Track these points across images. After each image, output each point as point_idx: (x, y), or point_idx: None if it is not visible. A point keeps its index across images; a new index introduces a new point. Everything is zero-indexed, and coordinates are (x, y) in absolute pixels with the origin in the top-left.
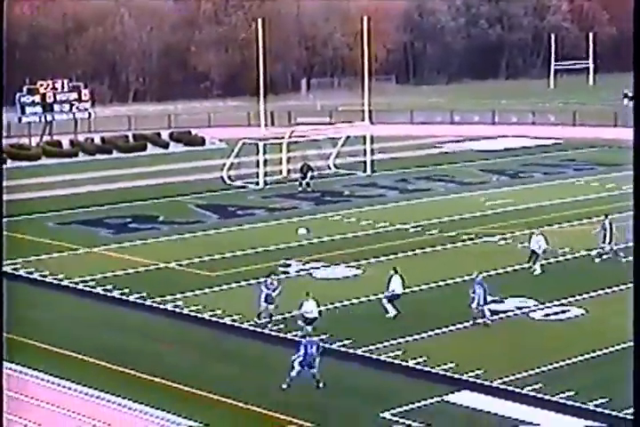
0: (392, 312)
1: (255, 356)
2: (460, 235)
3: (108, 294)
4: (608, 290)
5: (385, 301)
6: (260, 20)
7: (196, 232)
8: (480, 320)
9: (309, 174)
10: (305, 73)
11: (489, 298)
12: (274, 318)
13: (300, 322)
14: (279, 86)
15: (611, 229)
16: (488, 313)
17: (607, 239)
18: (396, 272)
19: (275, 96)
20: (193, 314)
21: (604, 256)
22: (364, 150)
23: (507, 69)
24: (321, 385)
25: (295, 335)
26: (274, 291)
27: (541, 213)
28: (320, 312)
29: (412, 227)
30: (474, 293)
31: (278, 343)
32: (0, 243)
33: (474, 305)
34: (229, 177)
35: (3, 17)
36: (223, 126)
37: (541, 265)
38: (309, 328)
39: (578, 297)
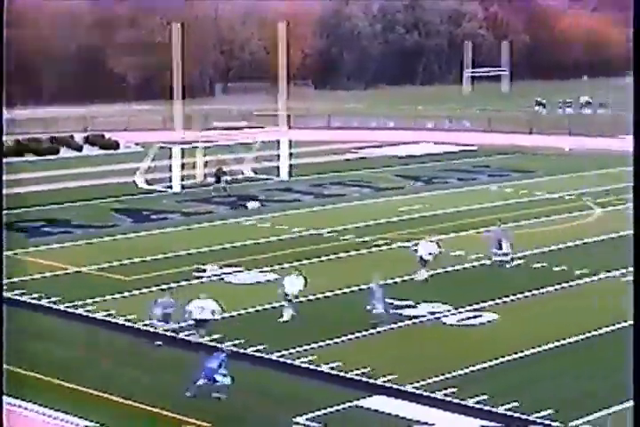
0: (286, 317)
1: (167, 360)
2: (375, 240)
3: (20, 298)
4: (520, 295)
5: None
6: (176, 24)
7: (110, 236)
8: (381, 326)
9: (223, 178)
10: (222, 77)
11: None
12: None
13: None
14: (195, 90)
15: (505, 236)
16: (387, 317)
17: (503, 246)
18: (298, 274)
19: (191, 100)
20: (106, 319)
21: (503, 263)
22: (281, 155)
23: (423, 75)
24: (222, 397)
25: (211, 340)
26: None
27: (456, 218)
28: (213, 312)
29: (327, 232)
30: (373, 298)
31: (191, 349)
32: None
33: (373, 310)
34: (144, 181)
35: (3, 17)
36: (139, 130)
37: (455, 271)
38: (202, 331)
39: (491, 302)
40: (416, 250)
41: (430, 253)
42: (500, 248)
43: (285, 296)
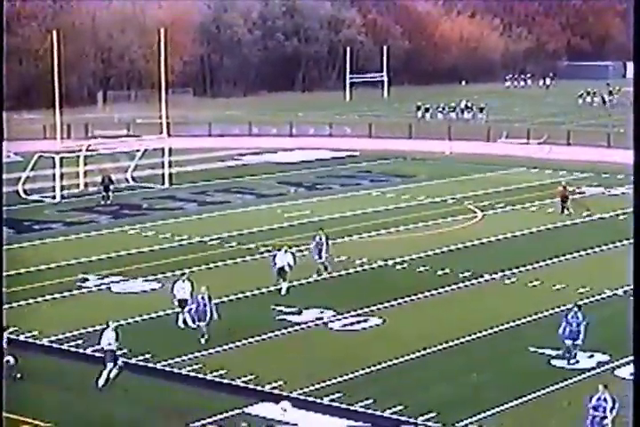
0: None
1: (52, 372)
2: (259, 247)
3: None
4: (405, 299)
5: (185, 312)
6: (54, 32)
7: None
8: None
9: (111, 187)
10: (101, 85)
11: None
12: None
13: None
14: (75, 99)
15: (327, 243)
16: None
17: (322, 253)
18: (186, 280)
19: (71, 109)
20: None
21: (321, 271)
22: (162, 163)
23: (303, 82)
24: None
25: (95, 351)
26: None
27: (339, 224)
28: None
29: (211, 240)
30: (198, 305)
31: (76, 359)
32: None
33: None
34: (25, 191)
35: (2, 17)
36: (18, 139)
37: (339, 276)
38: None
39: (376, 307)
40: (274, 262)
41: (289, 265)
42: (320, 257)
43: (179, 303)
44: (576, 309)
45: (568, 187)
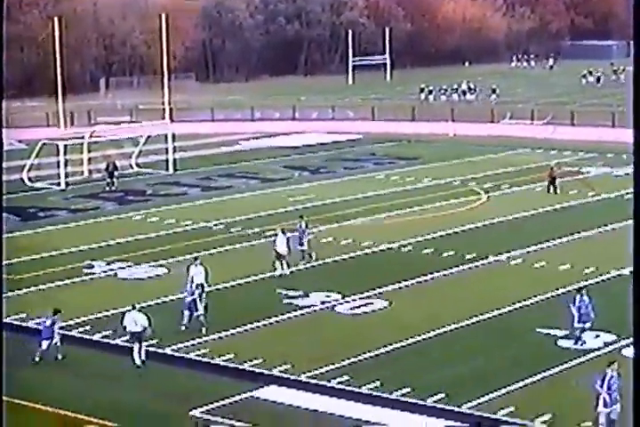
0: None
1: (57, 358)
2: (264, 231)
3: None
4: (411, 282)
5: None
6: (56, 19)
7: None
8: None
9: (116, 174)
10: (104, 72)
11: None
12: None
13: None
14: (78, 86)
15: (307, 230)
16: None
17: (304, 241)
18: (199, 264)
19: (74, 96)
20: None
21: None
22: (166, 149)
23: (305, 65)
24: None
25: (103, 337)
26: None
27: (343, 207)
28: (145, 328)
29: (216, 225)
30: (192, 295)
31: (84, 345)
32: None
33: (198, 312)
34: (29, 178)
35: (2, 17)
36: (22, 127)
37: (343, 260)
38: (136, 347)
39: (382, 289)
40: (275, 244)
41: (287, 248)
42: (302, 244)
43: (196, 287)
44: (583, 292)
45: (556, 168)
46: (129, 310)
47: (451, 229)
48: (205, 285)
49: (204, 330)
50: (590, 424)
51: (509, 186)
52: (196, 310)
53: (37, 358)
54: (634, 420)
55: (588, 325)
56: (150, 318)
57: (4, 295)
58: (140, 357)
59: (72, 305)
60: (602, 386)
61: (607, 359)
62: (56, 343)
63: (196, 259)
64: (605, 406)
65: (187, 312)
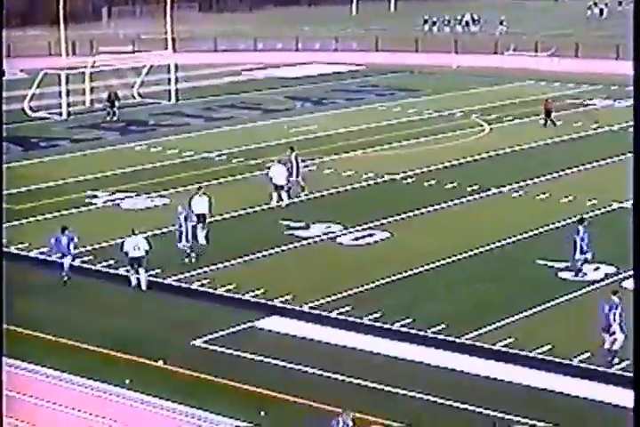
0: (201, 240)
1: (63, 288)
2: (266, 162)
3: None
4: (412, 213)
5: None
6: None
7: None
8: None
9: (117, 104)
10: (106, 1)
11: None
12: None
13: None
14: (80, 15)
15: (297, 163)
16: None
17: (294, 173)
18: (202, 194)
19: (76, 25)
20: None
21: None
22: (169, 79)
23: None
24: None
25: (107, 266)
26: None
27: (345, 138)
28: (148, 251)
29: (218, 155)
30: (180, 227)
31: (86, 275)
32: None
33: (182, 243)
34: (31, 108)
35: (2, 17)
36: (23, 56)
37: (345, 191)
38: (141, 271)
39: (383, 221)
40: (270, 176)
41: (285, 178)
42: (291, 175)
43: (197, 218)
44: (586, 223)
45: (551, 100)
46: (129, 236)
47: (453, 161)
48: (208, 215)
49: (192, 259)
50: (589, 355)
51: (512, 118)
52: (188, 240)
53: (66, 278)
54: (634, 420)
55: (589, 256)
56: (151, 243)
57: (4, 225)
58: (140, 282)
59: (74, 235)
60: (608, 313)
61: (608, 291)
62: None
63: (199, 189)
64: (609, 333)
65: (180, 244)
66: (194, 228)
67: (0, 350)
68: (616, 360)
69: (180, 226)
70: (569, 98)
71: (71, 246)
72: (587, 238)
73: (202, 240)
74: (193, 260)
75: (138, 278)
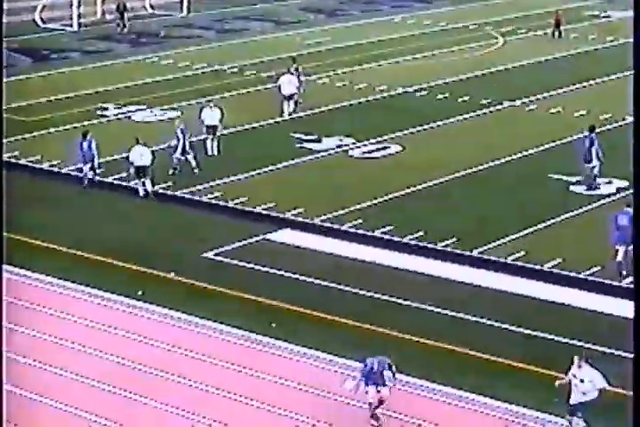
0: (210, 151)
1: (75, 200)
2: (279, 75)
3: None
4: (425, 127)
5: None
6: None
7: (9, 77)
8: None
9: (126, 15)
10: None
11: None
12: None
13: (131, 170)
14: None
15: (298, 74)
16: (193, 162)
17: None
18: (213, 107)
19: None
20: (13, 161)
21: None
22: None
23: None
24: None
25: (116, 179)
26: None
27: (358, 51)
28: (153, 160)
29: (230, 67)
30: (178, 140)
31: (99, 187)
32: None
33: (175, 155)
34: (42, 19)
35: (2, 17)
36: None
37: (358, 104)
38: (147, 181)
39: (396, 134)
40: (279, 87)
41: (296, 87)
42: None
43: (207, 129)
44: (594, 134)
45: (561, 12)
46: (133, 146)
47: (466, 74)
48: (220, 126)
49: (176, 172)
50: (599, 269)
51: (526, 31)
52: (183, 153)
53: (86, 182)
54: (634, 420)
55: (596, 164)
56: (154, 153)
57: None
58: (147, 191)
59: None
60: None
61: (620, 205)
62: (94, 167)
63: (209, 101)
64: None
65: (174, 156)
66: (191, 142)
67: None
68: (625, 273)
69: (178, 139)
70: (584, 10)
71: (93, 149)
72: (595, 148)
73: (213, 151)
74: (177, 172)
75: (145, 189)
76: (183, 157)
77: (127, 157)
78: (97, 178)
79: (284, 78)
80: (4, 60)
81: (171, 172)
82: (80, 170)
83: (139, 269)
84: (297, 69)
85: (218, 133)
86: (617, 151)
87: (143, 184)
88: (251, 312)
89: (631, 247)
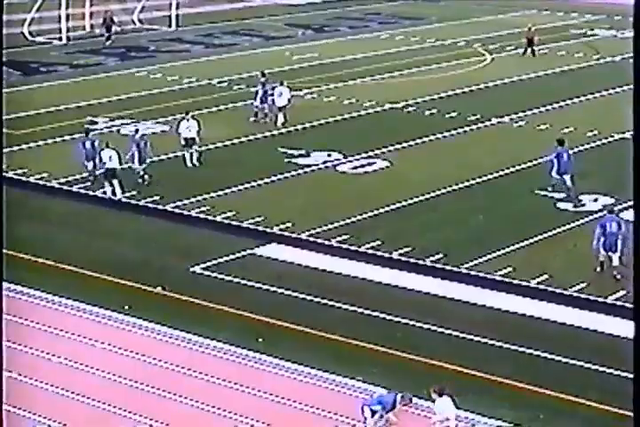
0: (190, 163)
1: (63, 214)
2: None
3: None
4: (412, 142)
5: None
6: None
7: None
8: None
9: (113, 28)
10: None
11: (148, 158)
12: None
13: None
14: None
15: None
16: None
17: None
18: (190, 118)
19: None
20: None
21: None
22: (169, 4)
23: None
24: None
25: (104, 192)
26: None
27: (347, 66)
28: (120, 163)
29: (219, 82)
30: (132, 149)
31: (86, 201)
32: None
33: (134, 166)
34: (30, 33)
35: (2, 17)
36: None
37: (345, 119)
38: (115, 182)
39: (383, 150)
40: (272, 95)
41: (288, 98)
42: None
43: (185, 141)
44: (562, 147)
45: (533, 29)
46: (102, 149)
47: (454, 90)
48: (197, 139)
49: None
50: (585, 285)
51: (514, 47)
52: (137, 162)
53: (92, 179)
54: (634, 419)
55: (568, 176)
56: (120, 155)
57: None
58: (114, 191)
59: (74, 161)
60: (611, 231)
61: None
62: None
63: (187, 113)
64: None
65: (135, 166)
66: (144, 151)
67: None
68: (619, 276)
69: (138, 148)
70: (571, 28)
71: (96, 147)
72: (567, 157)
73: (193, 162)
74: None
75: (113, 190)
76: (141, 166)
77: (100, 159)
78: (99, 172)
79: (276, 91)
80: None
81: (140, 181)
82: (85, 166)
83: (126, 284)
84: (265, 83)
85: (195, 146)
86: (604, 168)
87: (111, 185)
88: (238, 327)
89: (624, 252)
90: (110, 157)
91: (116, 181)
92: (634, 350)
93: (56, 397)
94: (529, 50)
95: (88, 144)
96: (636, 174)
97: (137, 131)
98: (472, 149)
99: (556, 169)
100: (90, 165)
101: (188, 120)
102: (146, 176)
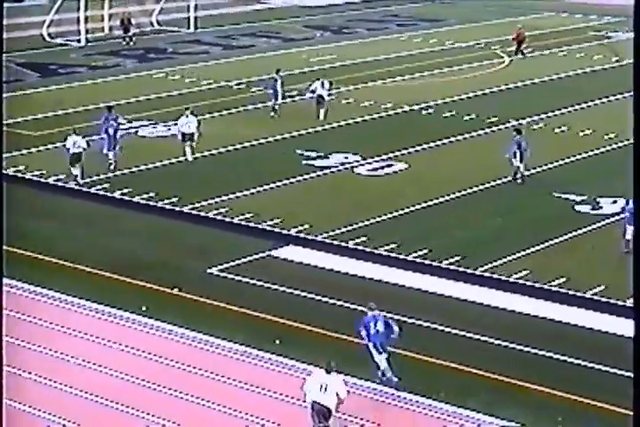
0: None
1: (79, 214)
2: (286, 91)
3: None
4: (431, 144)
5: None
6: None
7: (16, 91)
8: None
9: (131, 30)
10: None
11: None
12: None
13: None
14: None
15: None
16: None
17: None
18: (189, 115)
19: None
20: (18, 175)
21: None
22: (187, 6)
23: None
24: None
25: (122, 194)
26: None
27: (365, 68)
28: (85, 148)
29: (237, 84)
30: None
31: (104, 202)
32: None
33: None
34: (50, 34)
35: (2, 17)
36: None
37: (364, 121)
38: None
39: (401, 152)
40: (313, 90)
41: (327, 92)
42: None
43: (184, 137)
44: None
45: (523, 29)
46: (69, 135)
47: (472, 93)
48: (197, 134)
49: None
50: (602, 288)
51: (533, 50)
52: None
53: (112, 167)
54: (634, 419)
55: (518, 160)
56: (89, 143)
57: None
58: (78, 175)
59: (92, 162)
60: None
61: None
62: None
63: (186, 109)
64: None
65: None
66: (115, 138)
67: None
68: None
69: (108, 135)
70: (590, 30)
71: (116, 124)
72: (524, 147)
73: (189, 157)
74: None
75: (75, 175)
76: (111, 152)
77: (64, 145)
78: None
79: (316, 84)
80: (10, 76)
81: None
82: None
83: (143, 285)
84: (276, 81)
85: (194, 141)
86: (622, 170)
87: (74, 167)
88: (255, 329)
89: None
90: (76, 144)
91: (78, 165)
92: (634, 350)
93: (71, 397)
94: (519, 51)
95: (112, 131)
96: (636, 174)
97: (108, 119)
98: (490, 152)
99: (513, 154)
100: (111, 154)
101: (187, 116)
102: (113, 163)
